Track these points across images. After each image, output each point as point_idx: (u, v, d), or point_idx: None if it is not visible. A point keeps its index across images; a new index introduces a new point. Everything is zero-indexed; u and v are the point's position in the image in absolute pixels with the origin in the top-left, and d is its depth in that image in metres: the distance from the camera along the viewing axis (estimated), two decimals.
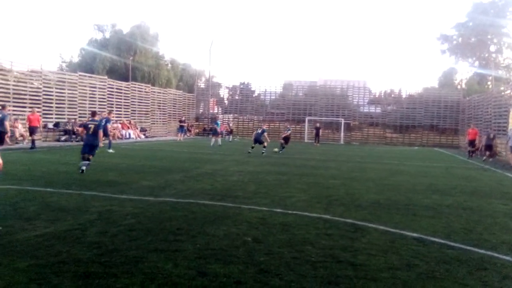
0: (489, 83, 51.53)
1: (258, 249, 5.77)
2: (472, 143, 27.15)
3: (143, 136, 34.37)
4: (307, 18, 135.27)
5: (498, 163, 22.79)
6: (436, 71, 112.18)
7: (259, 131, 23.11)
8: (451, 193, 11.57)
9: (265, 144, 22.17)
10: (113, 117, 25.23)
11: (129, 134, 32.34)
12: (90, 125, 13.26)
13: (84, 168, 12.41)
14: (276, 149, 24.35)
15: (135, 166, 14.73)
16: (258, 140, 22.38)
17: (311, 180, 12.90)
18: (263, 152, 21.58)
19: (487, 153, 24.74)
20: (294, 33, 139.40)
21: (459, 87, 53.28)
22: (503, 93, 30.66)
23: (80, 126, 16.14)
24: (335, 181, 13.03)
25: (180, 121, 35.39)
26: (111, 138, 21.83)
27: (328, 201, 9.62)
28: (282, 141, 25.36)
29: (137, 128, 34.61)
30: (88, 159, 12.94)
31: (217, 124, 30.90)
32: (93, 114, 14.20)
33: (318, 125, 37.31)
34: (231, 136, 37.24)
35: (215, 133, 29.61)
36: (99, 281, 4.45)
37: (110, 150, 19.87)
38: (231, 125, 40.05)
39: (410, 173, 16.24)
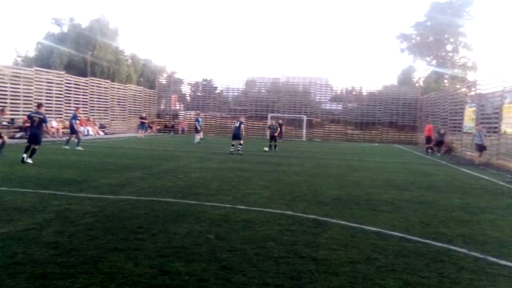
0: (445, 81, 53.20)
1: (220, 246, 5.74)
2: (429, 139, 27.56)
3: (102, 133, 33.59)
4: (269, 15, 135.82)
5: (454, 158, 23.60)
6: (395, 69, 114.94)
7: (237, 124, 21.55)
8: (409, 188, 11.89)
9: (241, 142, 20.83)
10: (80, 113, 24.46)
11: (88, 131, 31.54)
12: (35, 118, 13.78)
13: (24, 156, 13.49)
14: (266, 148, 23.62)
15: (94, 164, 14.37)
16: (236, 136, 20.98)
17: (274, 177, 12.97)
18: (238, 150, 20.47)
19: (441, 148, 26.95)
20: (257, 29, 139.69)
21: (417, 85, 54.83)
22: (458, 91, 31.75)
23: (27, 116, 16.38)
24: (298, 177, 13.15)
25: (141, 118, 34.79)
26: (80, 135, 21.57)
27: (290, 197, 9.69)
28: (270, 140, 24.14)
29: (95, 125, 33.80)
30: (33, 150, 13.86)
31: (198, 121, 29.78)
32: (39, 106, 15.07)
33: (280, 121, 37.43)
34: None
35: (197, 130, 29.23)
36: (56, 282, 4.32)
37: (79, 148, 19.55)
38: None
39: (370, 169, 16.58)
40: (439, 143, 27.93)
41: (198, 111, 37.52)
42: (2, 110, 17.61)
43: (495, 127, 22.27)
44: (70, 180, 10.74)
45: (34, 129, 14.17)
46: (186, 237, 6.10)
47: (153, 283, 4.42)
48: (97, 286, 4.27)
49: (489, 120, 23.53)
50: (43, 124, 14.31)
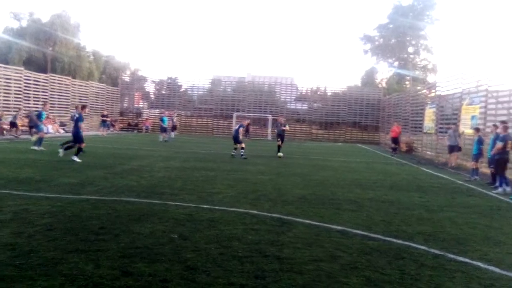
0: (407, 82, 54.58)
1: (184, 246, 5.68)
2: (395, 140, 27.39)
3: (62, 131, 32.68)
4: (236, 14, 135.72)
5: (415, 158, 24.21)
6: (359, 70, 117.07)
7: (236, 127, 20.29)
8: (372, 187, 12.12)
9: (243, 145, 18.98)
10: (47, 110, 23.40)
11: (48, 129, 30.60)
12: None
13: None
14: (280, 154, 20.77)
15: (53, 162, 13.96)
16: (235, 139, 19.42)
17: (239, 176, 12.95)
18: (242, 155, 18.61)
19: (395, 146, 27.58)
20: (222, 28, 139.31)
21: (380, 86, 55.97)
22: (419, 92, 32.61)
23: None
24: (263, 176, 13.17)
25: (103, 116, 34.04)
26: (43, 134, 20.32)
27: (255, 196, 9.69)
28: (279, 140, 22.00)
29: (55, 123, 32.85)
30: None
31: (163, 120, 29.40)
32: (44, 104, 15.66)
33: (248, 121, 37.58)
34: (172, 133, 34.29)
35: (162, 129, 29.00)
36: (14, 285, 4.17)
37: (41, 148, 18.44)
38: (175, 120, 36.80)
39: (334, 168, 16.80)
40: (394, 141, 29.11)
41: (162, 110, 36.92)
42: (84, 106, 17.37)
43: None
44: (28, 179, 10.40)
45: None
46: (150, 237, 6.00)
47: (115, 284, 4.32)
48: None
49: (448, 121, 24.26)
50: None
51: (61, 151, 15.56)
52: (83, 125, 15.42)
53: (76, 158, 14.51)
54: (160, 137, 28.64)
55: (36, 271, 4.54)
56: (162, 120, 29.57)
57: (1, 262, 4.76)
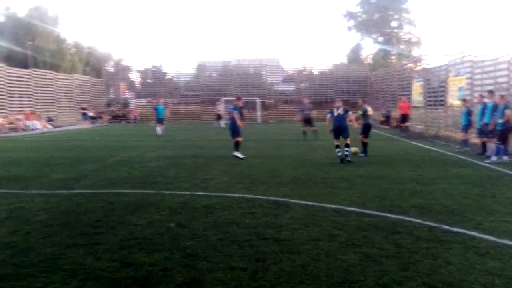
0: (392, 57, 54.64)
1: (183, 234, 5.70)
2: (405, 117, 23.88)
3: (50, 127, 32.33)
4: None
5: (404, 132, 24.35)
6: (344, 47, 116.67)
7: (230, 106, 15.48)
8: (363, 164, 12.21)
9: (240, 138, 13.66)
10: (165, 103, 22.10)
11: (35, 125, 30.28)
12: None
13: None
14: (355, 149, 14.12)
15: (44, 159, 13.83)
16: (235, 131, 13.71)
17: (231, 161, 12.94)
18: (235, 155, 13.47)
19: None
20: (205, 13, 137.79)
21: (365, 62, 55.96)
22: (405, 66, 32.67)
23: None
24: (255, 160, 13.19)
25: (82, 109, 33.47)
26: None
27: (249, 180, 9.72)
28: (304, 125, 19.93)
29: (42, 118, 32.48)
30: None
31: (158, 109, 24.42)
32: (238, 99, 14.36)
33: (241, 104, 37.61)
34: (220, 122, 31.89)
35: (158, 121, 24.05)
36: (14, 283, 4.18)
37: None
38: (218, 108, 34.32)
39: (325, 147, 16.81)
40: (387, 118, 30.06)
41: (156, 98, 34.76)
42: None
43: (442, 100, 23.14)
44: (19, 177, 10.31)
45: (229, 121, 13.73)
46: (147, 228, 6.02)
47: (116, 276, 4.34)
48: (58, 283, 4.16)
49: (436, 93, 24.40)
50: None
51: None
52: None
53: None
54: (158, 130, 23.55)
55: (36, 268, 4.54)
56: (156, 109, 24.77)
57: None
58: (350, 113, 13.29)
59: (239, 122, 13.71)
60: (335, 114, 12.94)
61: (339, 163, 12.28)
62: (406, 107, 24.06)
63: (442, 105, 23.03)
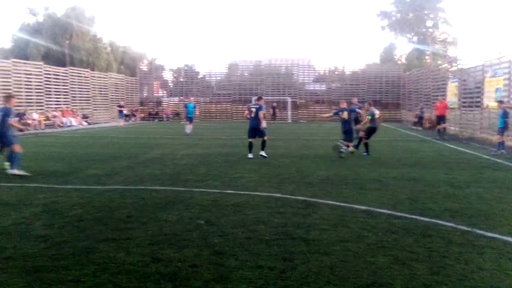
0: (427, 57, 53.53)
1: (211, 232, 5.75)
2: (441, 118, 22.42)
3: (85, 124, 33.17)
4: None
5: (441, 135, 23.83)
6: (377, 47, 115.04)
7: (252, 108, 13.99)
8: (396, 166, 12.02)
9: (265, 137, 13.62)
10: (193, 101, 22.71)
11: (71, 122, 31.12)
12: (252, 109, 13.67)
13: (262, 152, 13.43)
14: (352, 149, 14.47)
15: (79, 155, 14.22)
16: (255, 131, 13.64)
17: (261, 160, 12.97)
18: (261, 155, 13.45)
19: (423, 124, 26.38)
20: (237, 12, 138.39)
21: (399, 62, 55.04)
22: (440, 67, 31.97)
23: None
24: (285, 159, 13.18)
25: (119, 106, 34.13)
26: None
27: (278, 179, 9.72)
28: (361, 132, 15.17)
29: (78, 115, 33.34)
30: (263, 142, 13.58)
31: (188, 107, 24.06)
32: (258, 98, 14.43)
33: (274, 104, 38.25)
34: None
35: (188, 119, 23.63)
36: (49, 275, 4.30)
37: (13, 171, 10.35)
38: (274, 105, 33.48)
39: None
40: (420, 119, 29.65)
41: (181, 97, 34.52)
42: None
43: (477, 102, 22.53)
44: (55, 172, 10.62)
45: (252, 121, 13.62)
46: (177, 224, 6.10)
47: (146, 271, 4.42)
48: (90, 277, 4.26)
49: (471, 94, 23.78)
50: (259, 113, 13.59)
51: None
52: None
53: (263, 153, 13.33)
54: (187, 129, 23.31)
55: (69, 261, 4.67)
56: (186, 106, 24.34)
57: (35, 253, 4.91)
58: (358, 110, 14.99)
59: (263, 122, 13.87)
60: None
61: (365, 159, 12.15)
62: (443, 107, 22.73)
63: (478, 106, 22.41)
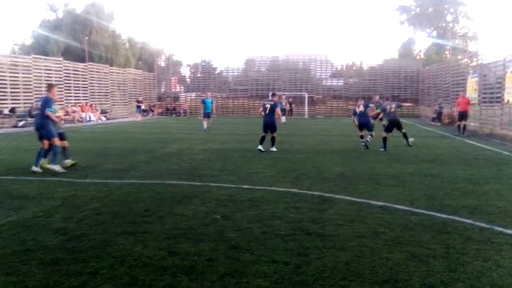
0: (447, 52, 52.75)
1: (227, 226, 5.78)
2: (463, 115, 21.72)
3: (104, 119, 33.56)
4: None
5: (457, 130, 23.50)
6: (395, 42, 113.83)
7: (267, 104, 14.17)
8: (413, 161, 11.90)
9: (275, 134, 14.18)
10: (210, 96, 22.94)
11: (90, 117, 31.52)
12: (267, 105, 13.86)
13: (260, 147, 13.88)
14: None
15: (98, 149, 14.40)
16: (269, 126, 14.07)
17: (277, 155, 12.98)
18: (271, 150, 13.94)
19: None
20: (254, 8, 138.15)
21: (418, 57, 54.38)
22: (460, 62, 31.49)
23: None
24: (301, 155, 13.16)
25: (137, 101, 34.36)
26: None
27: (295, 175, 9.71)
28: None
29: (97, 110, 33.74)
30: (273, 138, 14.13)
31: (206, 103, 23.77)
32: (273, 95, 14.85)
33: (290, 100, 38.09)
34: (283, 118, 27.08)
35: (205, 115, 23.54)
36: (68, 267, 4.37)
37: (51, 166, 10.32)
38: (284, 104, 30.83)
39: (373, 144, 16.52)
40: (439, 115, 29.47)
41: (198, 92, 33.77)
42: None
43: (498, 97, 22.16)
44: (74, 166, 10.77)
45: (267, 117, 14.03)
46: (193, 218, 6.14)
47: (163, 264, 4.47)
48: (108, 269, 4.32)
49: (492, 90, 23.39)
50: (275, 110, 14.05)
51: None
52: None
53: (274, 148, 13.88)
54: (204, 125, 23.25)
55: (88, 254, 4.75)
56: (204, 102, 23.98)
57: (54, 246, 5.00)
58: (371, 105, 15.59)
59: (281, 119, 14.08)
60: (358, 111, 15.29)
61: (383, 154, 12.06)
62: (465, 103, 21.89)
63: (499, 102, 22.04)
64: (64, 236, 5.35)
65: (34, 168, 9.85)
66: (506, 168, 11.00)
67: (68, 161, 10.56)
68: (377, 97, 20.38)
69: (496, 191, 8.09)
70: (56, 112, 10.73)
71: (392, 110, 14.88)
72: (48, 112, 9.96)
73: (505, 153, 13.96)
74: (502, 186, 8.58)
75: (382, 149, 14.20)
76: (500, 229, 5.71)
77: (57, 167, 9.97)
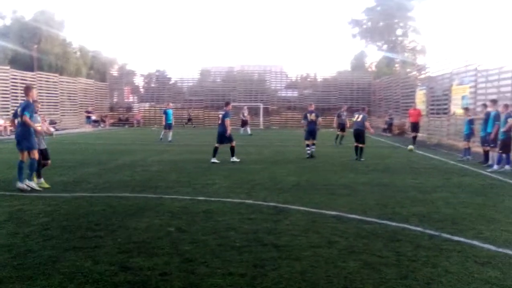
0: (396, 65, 54.62)
1: (182, 239, 5.69)
2: (415, 126, 22.00)
3: (53, 129, 32.34)
4: (221, 3, 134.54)
5: (407, 140, 24.29)
6: (348, 54, 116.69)
7: (221, 114, 15.23)
8: (366, 172, 12.18)
9: (233, 143, 14.20)
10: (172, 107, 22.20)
11: None
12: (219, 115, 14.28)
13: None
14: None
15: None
16: (222, 137, 14.11)
17: (233, 166, 12.95)
18: (232, 161, 13.98)
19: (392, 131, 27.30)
20: (210, 19, 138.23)
21: (369, 70, 55.95)
22: (409, 74, 32.70)
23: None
24: (257, 166, 13.19)
25: (87, 112, 33.36)
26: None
27: (250, 186, 9.71)
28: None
29: (45, 121, 32.47)
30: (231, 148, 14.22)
31: (167, 114, 23.30)
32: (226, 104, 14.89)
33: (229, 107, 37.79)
34: (248, 128, 29.95)
35: (167, 126, 23.11)
36: (13, 285, 4.16)
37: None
38: (246, 114, 30.57)
39: (327, 154, 16.85)
40: (390, 126, 30.50)
41: (166, 102, 31.96)
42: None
43: (445, 108, 23.11)
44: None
45: (219, 127, 14.34)
46: (146, 232, 6.01)
47: (114, 280, 4.33)
48: (56, 287, 4.15)
49: (439, 102, 24.39)
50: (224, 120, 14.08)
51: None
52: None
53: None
54: (167, 136, 22.89)
55: (35, 271, 4.53)
56: (165, 113, 23.43)
57: None
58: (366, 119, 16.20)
59: (229, 129, 14.03)
60: (309, 119, 15.77)
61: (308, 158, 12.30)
62: (417, 114, 22.19)
63: (445, 113, 23.00)
64: (9, 252, 5.09)
65: (20, 185, 8.84)
66: (453, 177, 11.45)
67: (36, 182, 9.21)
68: (345, 107, 21.65)
69: (444, 199, 8.40)
70: (38, 122, 9.58)
71: (359, 120, 15.60)
72: (25, 117, 8.76)
73: (451, 162, 14.55)
74: (449, 194, 8.92)
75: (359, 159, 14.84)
76: (448, 236, 5.92)
77: (33, 183, 9.01)
